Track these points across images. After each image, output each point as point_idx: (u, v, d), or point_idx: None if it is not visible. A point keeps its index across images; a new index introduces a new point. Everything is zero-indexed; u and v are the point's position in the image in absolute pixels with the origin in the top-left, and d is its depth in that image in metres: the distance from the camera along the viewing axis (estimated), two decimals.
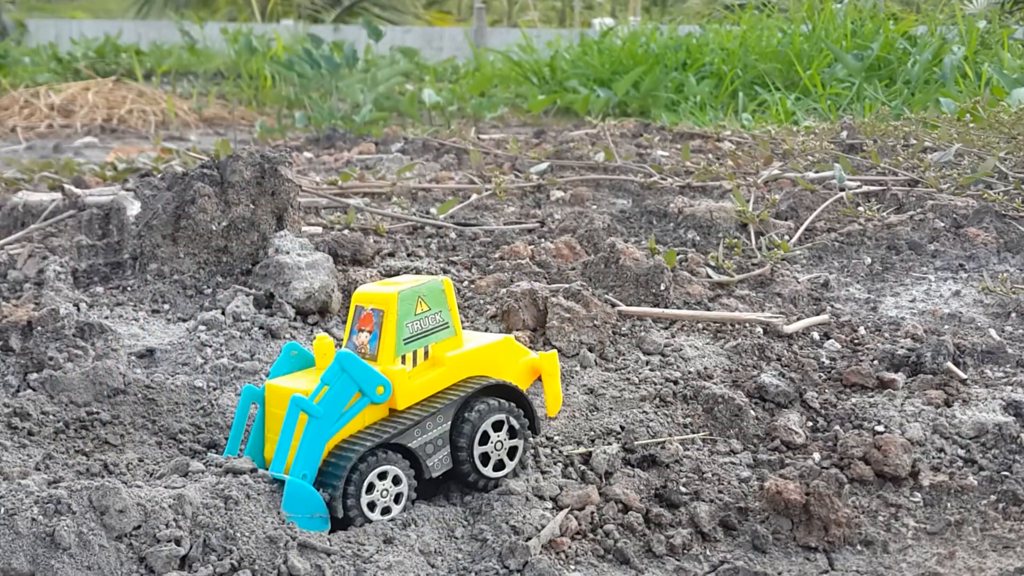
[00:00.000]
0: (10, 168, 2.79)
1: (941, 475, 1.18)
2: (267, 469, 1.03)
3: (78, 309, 1.47)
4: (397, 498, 1.03)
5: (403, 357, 1.06)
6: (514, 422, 1.10)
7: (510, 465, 1.11)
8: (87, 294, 1.58)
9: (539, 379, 1.18)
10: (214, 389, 1.31)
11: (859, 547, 1.08)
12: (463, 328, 1.14)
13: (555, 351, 1.19)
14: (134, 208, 1.77)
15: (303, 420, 1.00)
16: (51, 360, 1.31)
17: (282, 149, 2.53)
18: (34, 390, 1.25)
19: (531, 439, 1.14)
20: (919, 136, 2.83)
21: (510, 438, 1.10)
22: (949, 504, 1.15)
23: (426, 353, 1.07)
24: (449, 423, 1.06)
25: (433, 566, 0.99)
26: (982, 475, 1.18)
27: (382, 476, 1.01)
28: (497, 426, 1.09)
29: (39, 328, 1.37)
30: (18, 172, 2.74)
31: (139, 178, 2.09)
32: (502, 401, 1.10)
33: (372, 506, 1.01)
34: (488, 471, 1.08)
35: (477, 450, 1.07)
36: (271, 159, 1.72)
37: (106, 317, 1.50)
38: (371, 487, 1.01)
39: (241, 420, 1.11)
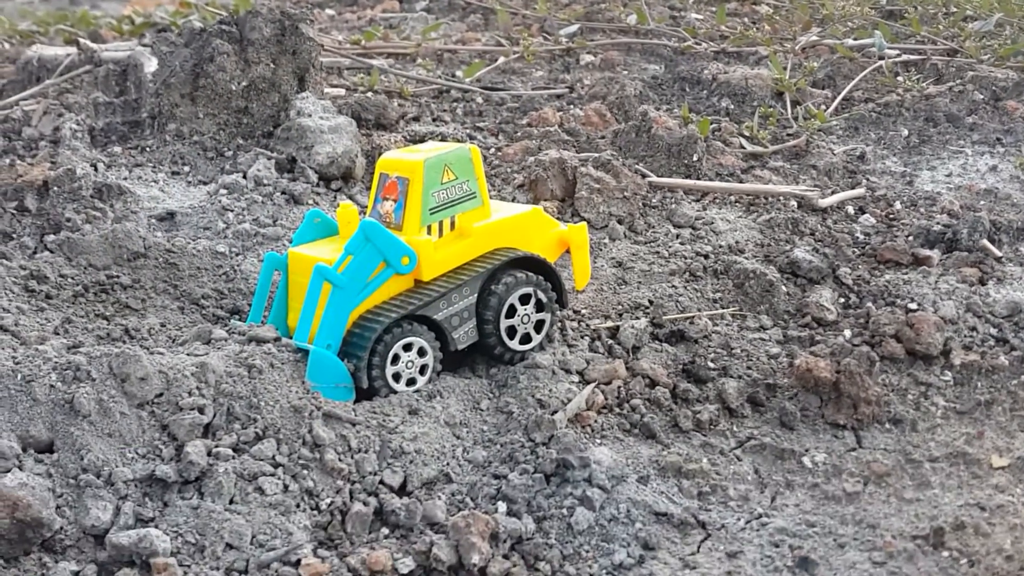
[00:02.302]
0: (25, 20, 2.73)
1: (972, 354, 1.16)
2: (291, 338, 1.01)
3: (96, 169, 1.45)
4: (423, 370, 1.02)
5: (429, 227, 1.03)
6: (541, 295, 1.08)
7: (537, 338, 1.10)
8: (104, 153, 1.55)
9: (567, 251, 1.15)
10: (237, 255, 1.30)
11: (888, 425, 1.07)
12: (491, 198, 1.11)
13: (584, 223, 1.16)
14: (151, 65, 1.72)
15: (327, 290, 0.98)
16: (68, 222, 1.29)
17: (303, 5, 2.45)
18: (51, 252, 1.23)
19: (558, 313, 1.11)
20: (960, 3, 2.72)
21: (537, 312, 1.08)
22: (979, 384, 1.14)
23: (453, 223, 1.05)
24: (475, 295, 1.05)
25: (458, 437, 0.98)
26: (1013, 355, 1.16)
27: (407, 348, 1.00)
28: (524, 299, 1.07)
29: (55, 188, 1.35)
30: (33, 24, 2.67)
31: (156, 33, 2.03)
32: (530, 274, 1.08)
33: (397, 377, 1.00)
34: (515, 344, 1.07)
35: (504, 323, 1.06)
36: (292, 16, 1.66)
37: (124, 178, 1.47)
38: (396, 358, 1.00)
39: (264, 288, 1.09)
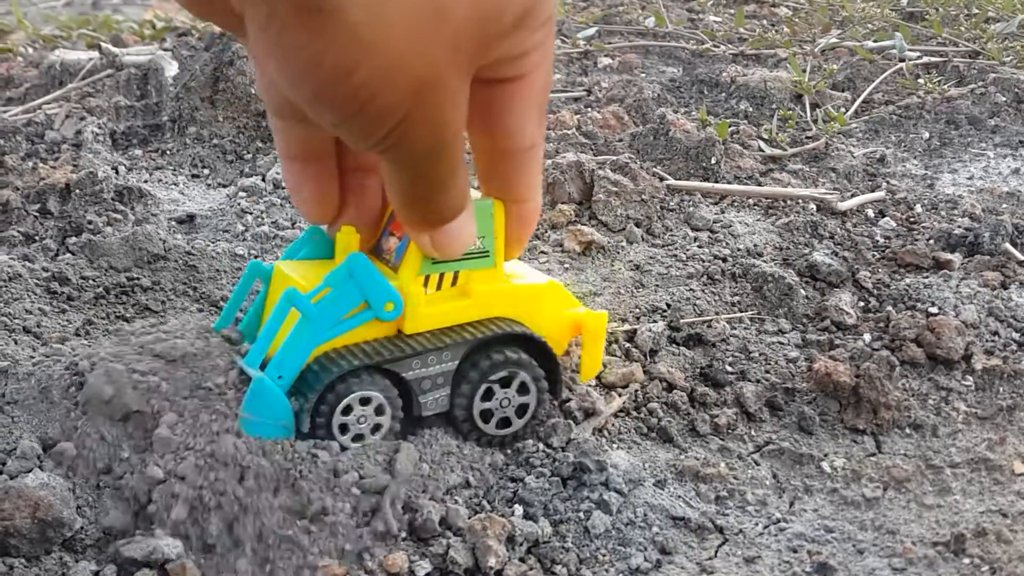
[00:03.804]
0: (48, 25, 2.75)
1: (994, 359, 1.16)
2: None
3: (117, 172, 1.46)
4: (375, 428, 0.91)
5: (427, 278, 0.91)
6: (527, 380, 0.96)
7: (517, 423, 0.97)
8: (126, 157, 1.56)
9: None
10: (256, 257, 1.30)
11: (908, 430, 1.07)
12: (517, 260, 1.00)
13: (605, 312, 1.02)
14: (172, 69, 1.73)
15: (295, 317, 0.88)
16: (90, 224, 1.30)
17: None
18: (73, 254, 1.24)
19: (545, 398, 0.98)
20: (982, 5, 2.70)
21: (521, 395, 0.96)
22: (1001, 389, 1.13)
23: (455, 280, 0.93)
24: (456, 363, 0.93)
25: (476, 439, 0.98)
26: None
27: (364, 401, 0.89)
28: (506, 382, 0.95)
29: (77, 191, 1.36)
30: (56, 29, 2.69)
31: (177, 38, 2.04)
32: (521, 355, 0.95)
33: (344, 428, 0.89)
34: (489, 428, 0.96)
35: (478, 406, 0.95)
36: None
37: (145, 181, 1.48)
38: (348, 409, 0.88)
39: (240, 296, 0.98)
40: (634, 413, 1.05)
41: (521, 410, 0.97)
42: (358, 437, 0.89)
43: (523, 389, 0.96)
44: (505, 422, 0.96)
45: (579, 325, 1.01)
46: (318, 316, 0.87)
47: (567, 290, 1.01)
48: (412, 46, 0.59)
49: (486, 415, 0.95)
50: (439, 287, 0.92)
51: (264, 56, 0.61)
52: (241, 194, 1.44)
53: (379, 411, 0.90)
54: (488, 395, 0.94)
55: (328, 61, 0.58)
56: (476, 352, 0.94)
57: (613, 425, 1.02)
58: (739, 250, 1.37)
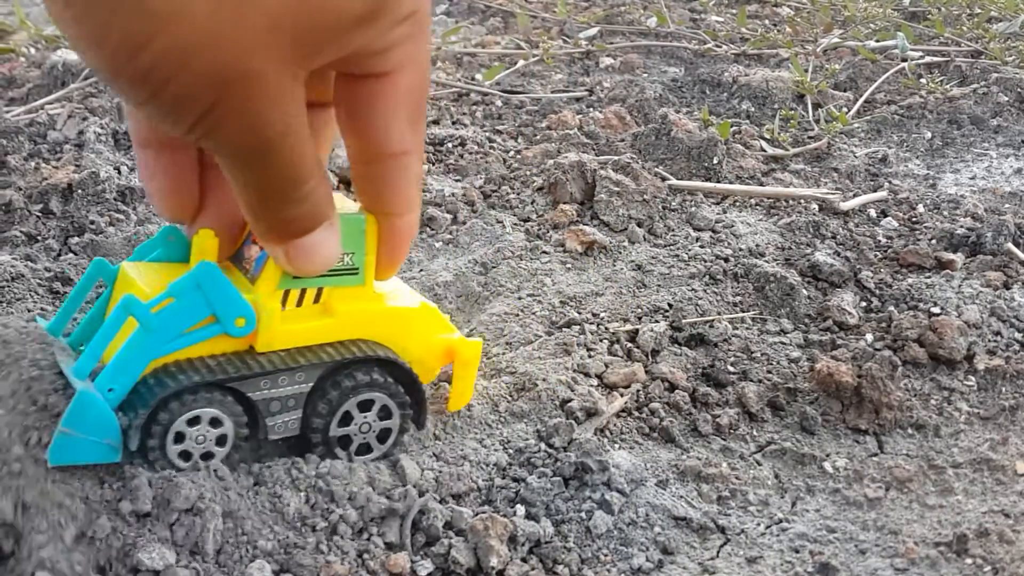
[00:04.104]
0: (50, 25, 2.75)
1: (997, 359, 1.16)
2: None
3: (119, 172, 1.46)
4: (220, 440, 0.84)
5: (287, 293, 0.84)
6: (391, 406, 0.90)
7: (378, 449, 0.91)
8: (128, 157, 1.56)
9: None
10: None
11: (910, 431, 1.06)
12: (398, 280, 0.94)
13: (480, 341, 0.98)
14: None
15: (132, 326, 0.80)
16: (92, 224, 1.30)
17: None
18: (75, 254, 1.24)
19: (409, 425, 0.92)
20: (984, 5, 2.70)
21: (382, 420, 0.90)
22: (1004, 389, 1.13)
23: (318, 296, 0.87)
24: (309, 385, 0.86)
25: (479, 440, 0.98)
26: None
27: (203, 420, 0.82)
28: (365, 406, 0.89)
29: (79, 191, 1.36)
30: (58, 30, 2.70)
31: None
32: (380, 378, 0.88)
33: (180, 438, 0.82)
34: (345, 455, 0.89)
35: (336, 431, 0.88)
36: None
37: None
38: (193, 421, 0.82)
39: (80, 295, 0.90)
40: (636, 413, 1.05)
41: (383, 436, 0.90)
42: (201, 457, 0.83)
43: (385, 413, 0.90)
44: (365, 448, 0.90)
45: (452, 352, 0.95)
46: (158, 327, 0.79)
47: (443, 315, 0.97)
48: (215, 27, 0.53)
49: (344, 441, 0.89)
50: (300, 303, 0.85)
51: (67, 20, 0.55)
52: None
53: (220, 432, 0.83)
54: (346, 420, 0.88)
55: (115, 31, 0.52)
56: (334, 373, 0.87)
57: (615, 425, 1.02)
58: (741, 250, 1.37)
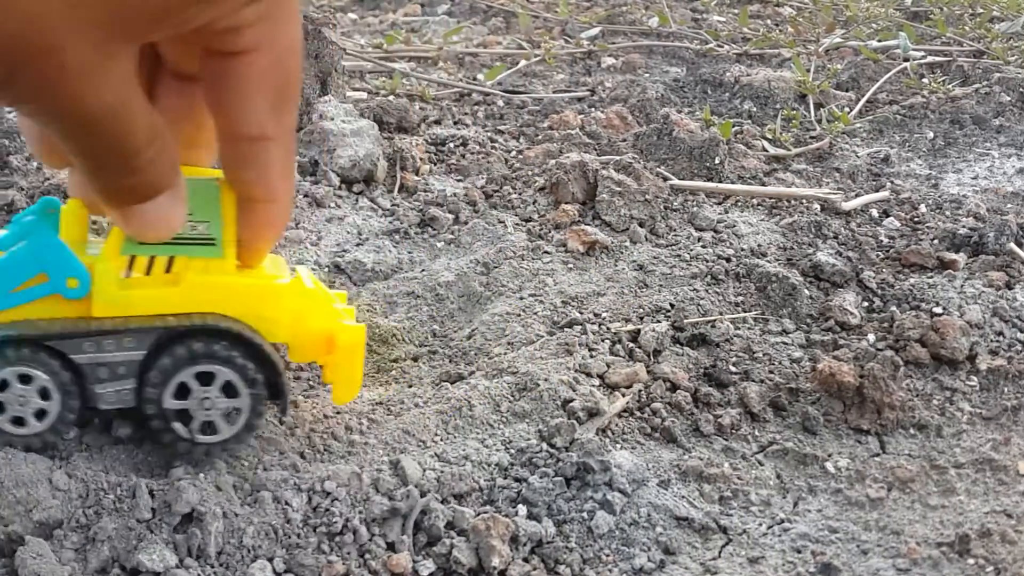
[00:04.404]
0: None
1: (999, 359, 1.15)
2: None
3: None
4: (40, 414, 0.81)
5: (133, 260, 0.80)
6: (237, 382, 0.83)
7: (226, 431, 0.84)
8: None
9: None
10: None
11: (912, 431, 1.06)
12: (281, 258, 0.89)
13: (364, 325, 0.90)
14: None
15: None
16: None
17: (325, 9, 2.46)
18: None
19: (265, 407, 0.86)
20: (987, 4, 2.70)
21: (230, 397, 0.84)
22: (1006, 389, 1.13)
23: (169, 266, 0.81)
24: (141, 353, 0.81)
25: (480, 440, 0.98)
26: None
27: (23, 379, 0.79)
28: (206, 379, 0.83)
29: None
30: None
31: None
32: (229, 353, 0.82)
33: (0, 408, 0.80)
34: (186, 431, 0.84)
35: (171, 403, 0.83)
36: (314, 20, 1.67)
37: None
38: (3, 385, 0.79)
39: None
40: (638, 413, 1.05)
41: (232, 416, 0.84)
42: (17, 421, 0.80)
43: (231, 391, 0.84)
44: (210, 428, 0.84)
45: (331, 338, 0.87)
46: None
47: (329, 295, 0.90)
48: (7, 1, 0.49)
49: (184, 417, 0.84)
50: (148, 271, 0.81)
51: None
52: None
53: (44, 395, 0.80)
54: (183, 393, 0.83)
55: None
56: (171, 343, 0.82)
57: (617, 425, 1.02)
58: (743, 250, 1.37)
